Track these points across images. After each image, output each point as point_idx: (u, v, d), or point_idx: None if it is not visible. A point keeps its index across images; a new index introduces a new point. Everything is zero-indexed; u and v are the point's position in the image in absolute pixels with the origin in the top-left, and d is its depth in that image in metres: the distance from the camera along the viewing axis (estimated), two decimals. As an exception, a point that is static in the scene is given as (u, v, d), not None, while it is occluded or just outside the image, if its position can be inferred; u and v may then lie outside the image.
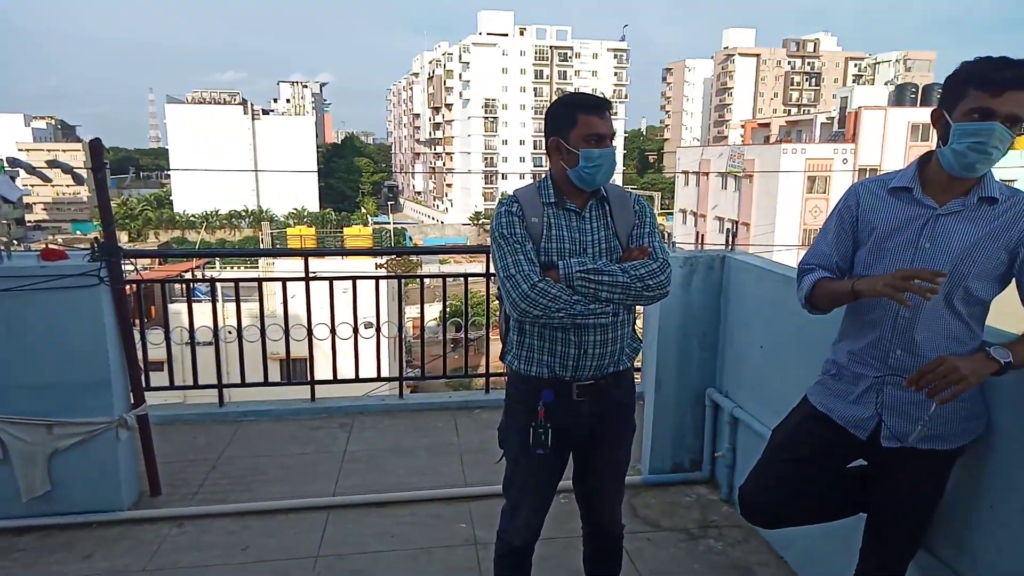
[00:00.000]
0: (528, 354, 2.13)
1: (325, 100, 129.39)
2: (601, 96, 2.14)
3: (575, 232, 2.09)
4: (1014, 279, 1.80)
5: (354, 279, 4.85)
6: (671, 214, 52.02)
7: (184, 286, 5.57)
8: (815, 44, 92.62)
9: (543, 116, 2.19)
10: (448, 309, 10.47)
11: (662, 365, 3.65)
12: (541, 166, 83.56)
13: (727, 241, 3.79)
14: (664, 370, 3.65)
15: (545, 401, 2.10)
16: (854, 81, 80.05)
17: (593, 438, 2.19)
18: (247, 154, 70.36)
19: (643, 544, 3.11)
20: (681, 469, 3.73)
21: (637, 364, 2.93)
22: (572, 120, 2.04)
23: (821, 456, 2.03)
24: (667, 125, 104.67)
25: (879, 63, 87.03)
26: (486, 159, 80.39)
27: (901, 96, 36.30)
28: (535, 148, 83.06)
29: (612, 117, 2.11)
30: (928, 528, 2.03)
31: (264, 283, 5.09)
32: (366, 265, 16.36)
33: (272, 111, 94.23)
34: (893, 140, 31.95)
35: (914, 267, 1.81)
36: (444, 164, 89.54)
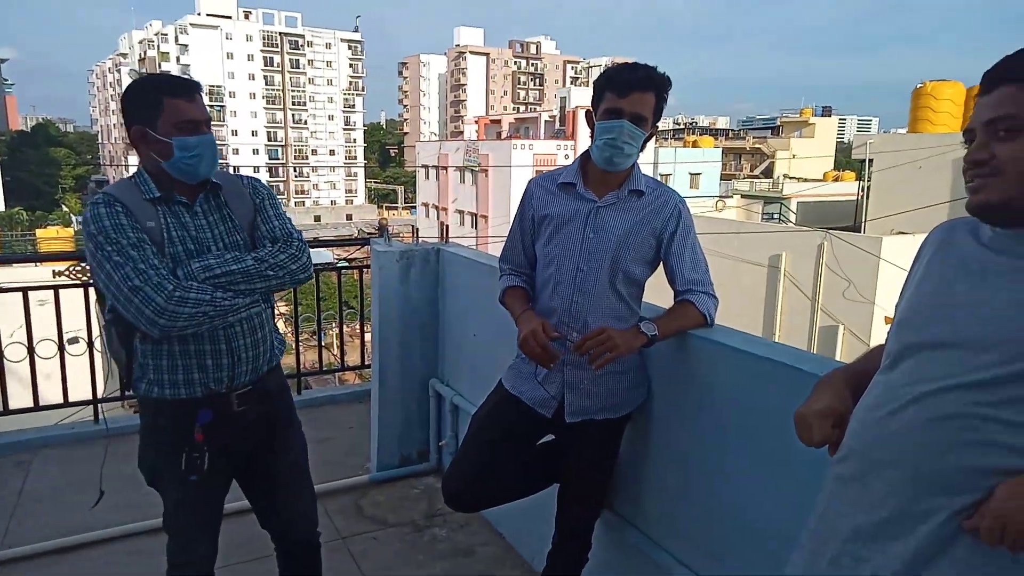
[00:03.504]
0: (171, 376, 1.86)
1: (6, 80, 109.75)
2: (188, 77, 1.92)
3: (193, 230, 1.86)
4: (661, 262, 2.05)
5: (56, 288, 4.16)
6: (414, 208, 52.72)
7: None
8: (537, 46, 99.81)
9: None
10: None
11: (385, 360, 3.63)
12: (278, 158, 79.58)
13: (441, 235, 3.87)
14: (387, 365, 3.64)
15: (202, 423, 1.88)
16: (571, 82, 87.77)
17: (261, 446, 2.03)
18: None
19: (368, 544, 3.07)
20: (409, 462, 3.75)
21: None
22: (157, 105, 1.78)
23: (514, 436, 2.15)
24: (406, 119, 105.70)
25: (592, 67, 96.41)
26: (214, 151, 74.33)
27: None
28: (270, 140, 78.78)
29: (206, 102, 1.90)
30: (609, 489, 2.26)
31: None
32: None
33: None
34: (605, 137, 35.55)
35: (584, 254, 1.99)
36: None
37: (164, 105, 1.78)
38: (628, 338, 1.88)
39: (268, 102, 78.95)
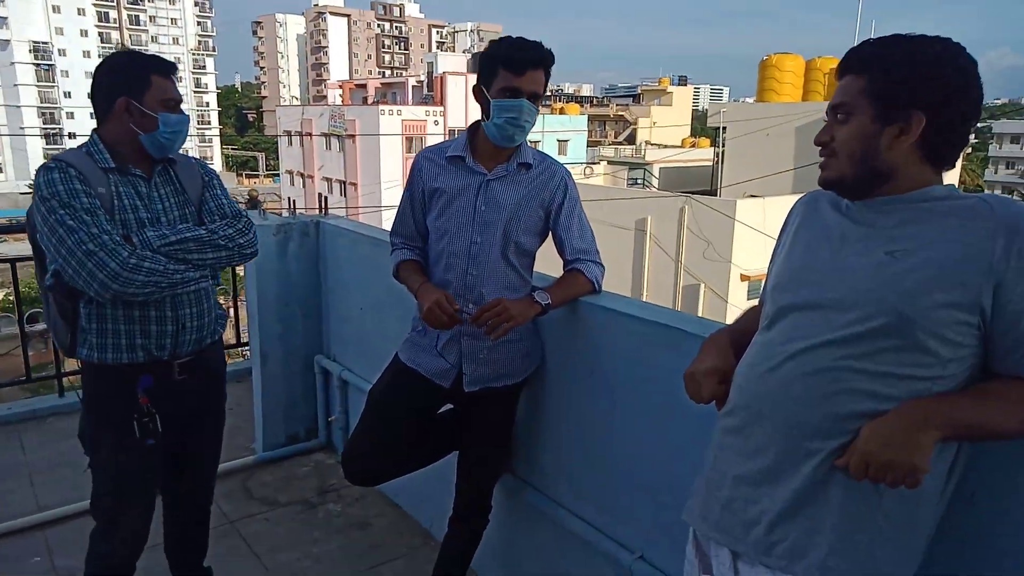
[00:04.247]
0: (115, 341, 1.92)
1: None
2: (170, 60, 2.01)
3: (146, 200, 1.94)
4: (550, 232, 2.12)
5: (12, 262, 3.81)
6: (277, 175, 50.38)
7: None
8: (401, 9, 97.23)
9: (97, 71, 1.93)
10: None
11: (266, 338, 3.52)
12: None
13: (320, 206, 3.77)
14: (268, 342, 3.53)
15: (145, 387, 1.94)
16: (438, 47, 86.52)
17: (194, 417, 2.10)
18: None
19: (260, 526, 3.00)
20: (297, 440, 3.67)
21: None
22: (145, 80, 1.89)
23: (413, 409, 2.18)
24: (264, 82, 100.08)
25: (457, 32, 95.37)
26: (45, 115, 67.25)
27: (476, 64, 40.32)
28: (109, 103, 71.93)
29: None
30: (507, 452, 2.34)
31: None
32: None
33: None
34: (475, 104, 35.28)
35: (476, 227, 2.02)
36: (-18, 120, 72.20)
37: (152, 82, 1.89)
38: (523, 308, 1.94)
39: (101, 25, 71.84)
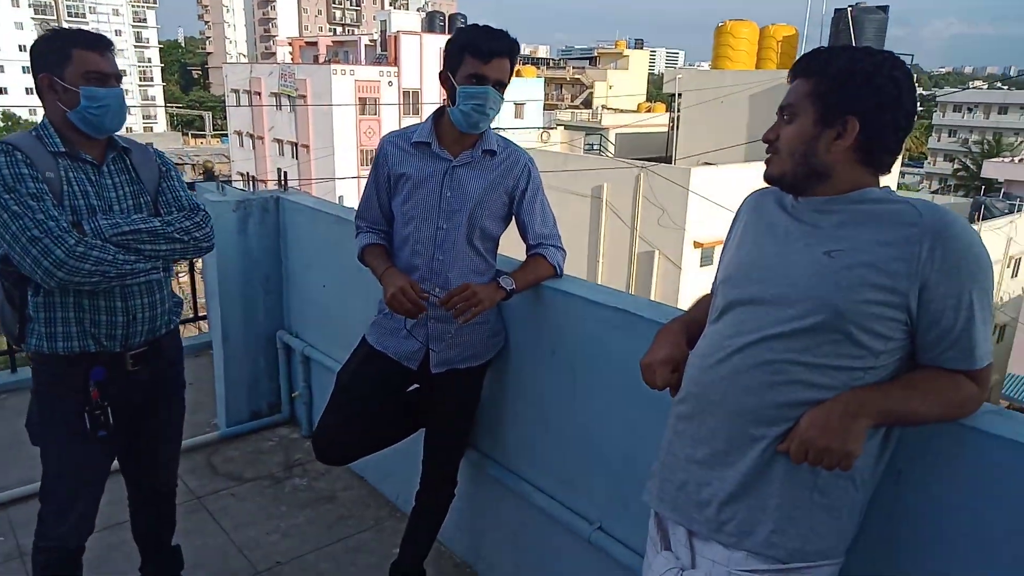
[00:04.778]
0: (65, 330, 1.88)
1: None
2: (99, 34, 1.95)
3: (97, 187, 1.89)
4: (514, 217, 2.19)
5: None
6: (225, 136, 48.89)
7: None
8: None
9: (29, 50, 1.89)
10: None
11: (227, 315, 3.51)
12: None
13: (280, 182, 3.74)
14: (230, 319, 3.53)
15: (96, 379, 1.91)
16: (391, 5, 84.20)
17: (148, 405, 2.09)
18: None
19: (227, 501, 3.05)
20: (260, 415, 3.70)
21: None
22: (66, 55, 1.82)
23: (382, 390, 2.24)
24: (209, 37, 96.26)
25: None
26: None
27: (432, 23, 39.51)
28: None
29: (116, 55, 1.93)
30: (472, 429, 2.43)
31: None
32: None
33: None
34: (430, 64, 34.74)
35: (443, 213, 2.07)
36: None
37: (73, 56, 1.81)
38: (490, 292, 2.02)
39: (37, 11, 68.23)
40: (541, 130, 26.84)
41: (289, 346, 3.58)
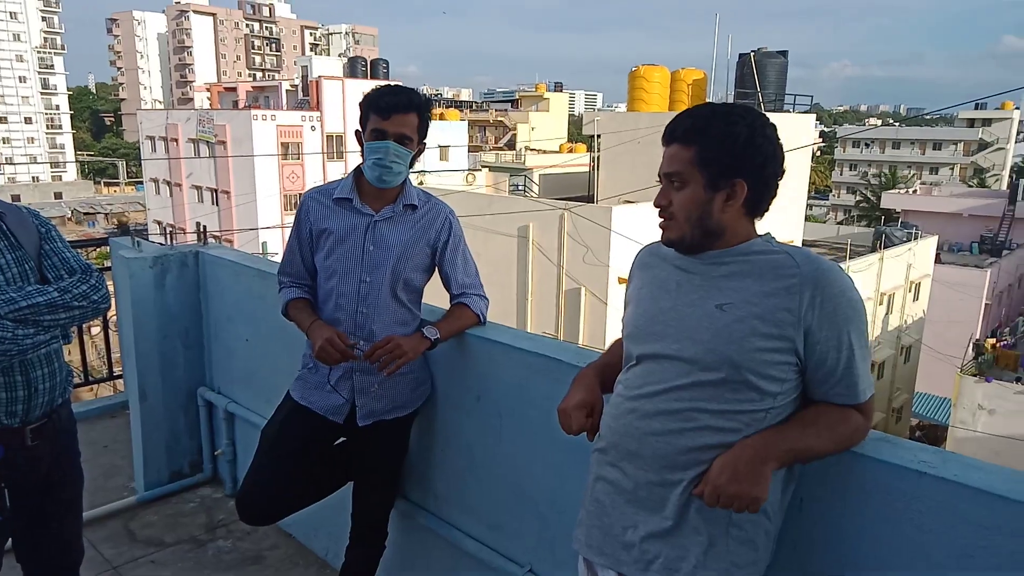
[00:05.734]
0: None
1: None
2: None
3: None
4: (437, 268, 2.24)
5: None
6: (140, 183, 47.28)
7: None
8: (271, 9, 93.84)
9: None
10: None
11: (144, 372, 3.40)
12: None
13: (199, 236, 3.68)
14: (148, 377, 3.41)
15: None
16: (311, 50, 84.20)
17: (47, 482, 1.98)
18: None
19: (146, 569, 2.92)
20: (181, 476, 3.57)
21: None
22: None
23: (308, 446, 2.22)
24: (122, 83, 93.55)
25: (332, 34, 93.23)
26: None
27: (353, 68, 39.67)
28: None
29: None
30: (400, 479, 2.43)
31: None
32: None
33: None
34: (352, 109, 34.56)
35: (366, 267, 2.11)
36: None
37: None
38: (414, 343, 2.05)
39: None
40: (467, 172, 27.13)
41: (211, 402, 3.49)
